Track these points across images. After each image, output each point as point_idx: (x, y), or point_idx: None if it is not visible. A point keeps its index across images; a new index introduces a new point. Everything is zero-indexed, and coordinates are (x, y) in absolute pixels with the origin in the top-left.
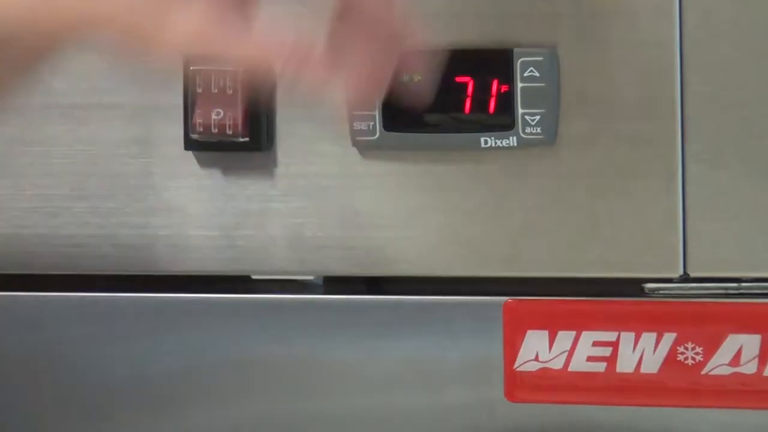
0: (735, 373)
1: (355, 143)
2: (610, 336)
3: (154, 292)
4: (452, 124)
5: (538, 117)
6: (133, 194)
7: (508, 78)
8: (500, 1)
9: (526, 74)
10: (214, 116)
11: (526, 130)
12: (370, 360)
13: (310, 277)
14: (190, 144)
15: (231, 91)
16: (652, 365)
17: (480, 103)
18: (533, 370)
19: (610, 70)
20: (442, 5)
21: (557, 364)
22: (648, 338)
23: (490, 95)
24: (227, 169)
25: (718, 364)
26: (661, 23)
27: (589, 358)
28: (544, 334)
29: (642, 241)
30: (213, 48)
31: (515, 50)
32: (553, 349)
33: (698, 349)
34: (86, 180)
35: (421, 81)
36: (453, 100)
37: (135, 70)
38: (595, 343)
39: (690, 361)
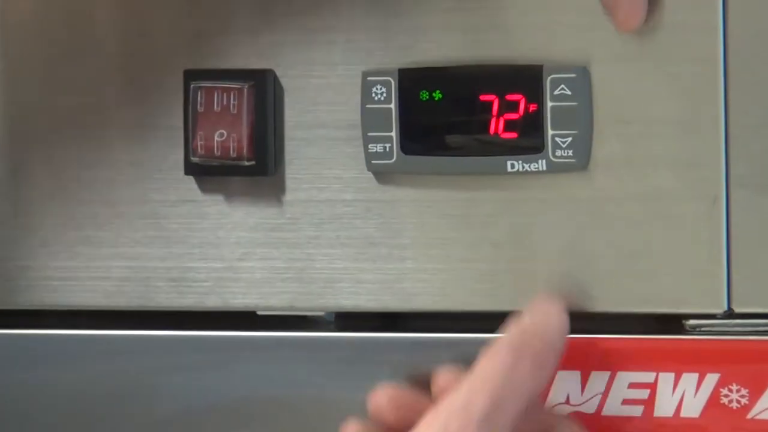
0: None
1: (370, 167)
2: (647, 377)
3: (151, 329)
4: (476, 146)
5: (569, 139)
6: (128, 222)
7: (537, 96)
8: (528, 13)
9: (556, 92)
10: (216, 137)
11: (557, 153)
12: None
13: (321, 313)
14: (190, 168)
15: (235, 110)
16: (693, 409)
17: (506, 124)
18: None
19: (648, 87)
20: (463, 17)
21: (590, 408)
22: (689, 379)
23: (517, 115)
24: (231, 196)
25: (765, 408)
26: (704, 39)
27: (625, 401)
28: (575, 375)
29: (683, 273)
30: None
31: (545, 66)
32: (585, 391)
33: (743, 392)
34: (78, 207)
35: (443, 99)
36: (477, 121)
37: (132, 84)
38: (632, 385)
39: (735, 404)
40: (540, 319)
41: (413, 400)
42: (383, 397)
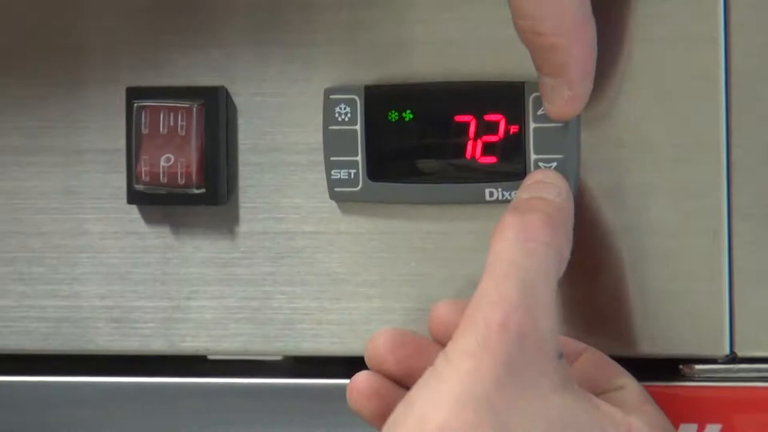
0: None
1: (333, 195)
2: None
3: (91, 376)
4: (451, 172)
5: (554, 164)
6: (64, 257)
7: (518, 117)
8: (509, 25)
9: (540, 112)
10: (162, 162)
11: None
12: None
13: (278, 358)
14: (133, 196)
15: (183, 132)
16: None
17: (484, 147)
18: None
19: (643, 106)
20: (436, 30)
21: None
22: (688, 430)
23: (496, 137)
24: (178, 227)
25: None
26: (704, 53)
27: None
28: None
29: (681, 312)
30: None
31: (527, 83)
32: None
33: None
34: (7, 239)
35: (414, 120)
36: (452, 144)
37: (68, 104)
38: None
39: None
40: (537, 187)
41: (414, 340)
42: (380, 339)
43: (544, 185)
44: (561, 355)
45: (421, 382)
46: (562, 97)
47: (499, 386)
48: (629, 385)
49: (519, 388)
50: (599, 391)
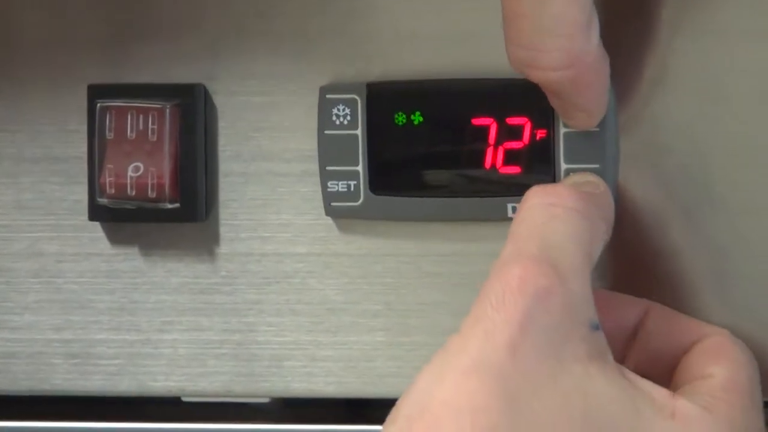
0: None
1: (329, 211)
2: None
3: (45, 421)
4: (467, 184)
5: None
6: (15, 283)
7: (545, 119)
8: None
9: None
10: (130, 172)
11: None
12: None
13: (265, 400)
14: (96, 212)
15: (155, 137)
16: None
17: (507, 156)
18: None
19: (693, 109)
20: (451, 19)
21: None
22: None
23: (521, 144)
24: (149, 247)
25: None
26: (762, 46)
27: None
28: None
29: None
30: None
31: None
32: None
33: None
34: None
35: (424, 123)
36: (468, 151)
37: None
38: None
39: None
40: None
41: None
42: None
43: (577, 183)
44: (597, 327)
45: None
46: (575, 116)
47: (512, 350)
48: (719, 371)
49: (536, 354)
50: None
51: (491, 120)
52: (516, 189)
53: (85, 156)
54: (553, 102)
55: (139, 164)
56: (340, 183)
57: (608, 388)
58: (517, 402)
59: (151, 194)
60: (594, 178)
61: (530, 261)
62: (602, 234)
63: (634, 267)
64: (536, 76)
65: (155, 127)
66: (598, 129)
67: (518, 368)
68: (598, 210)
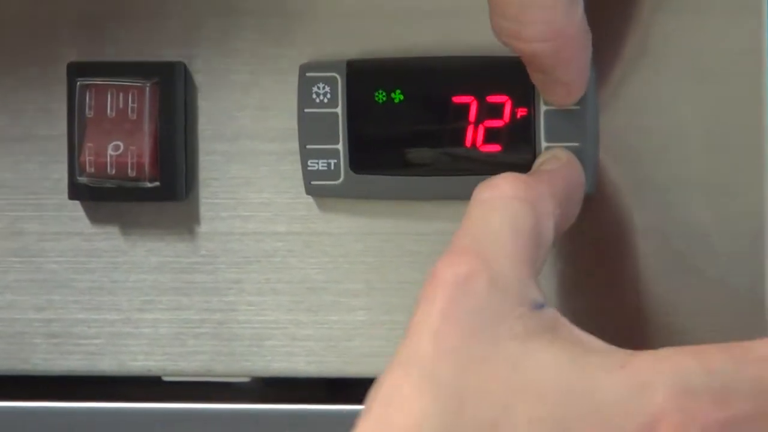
0: None
1: (309, 190)
2: None
3: (25, 401)
4: (448, 163)
5: None
6: None
7: (526, 98)
8: None
9: None
10: (111, 151)
11: None
12: None
13: (245, 379)
14: (76, 191)
15: (135, 116)
16: None
17: (487, 134)
18: None
19: (673, 88)
20: None
21: None
22: None
23: (501, 122)
24: (129, 227)
25: None
26: (745, 27)
27: None
28: None
29: (713, 327)
30: None
31: None
32: None
33: None
34: None
35: (404, 102)
36: (449, 130)
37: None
38: None
39: None
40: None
41: None
42: None
43: (544, 162)
44: (541, 305)
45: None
46: (555, 92)
47: (435, 338)
48: None
49: (461, 337)
50: None
51: (472, 98)
52: (497, 168)
53: (65, 135)
54: (535, 77)
55: (119, 143)
56: (321, 161)
57: (552, 360)
58: (442, 386)
59: (131, 173)
60: (558, 152)
61: (453, 253)
62: (549, 211)
63: (610, 247)
64: (519, 47)
65: (135, 105)
66: (578, 107)
67: (440, 353)
68: (547, 187)
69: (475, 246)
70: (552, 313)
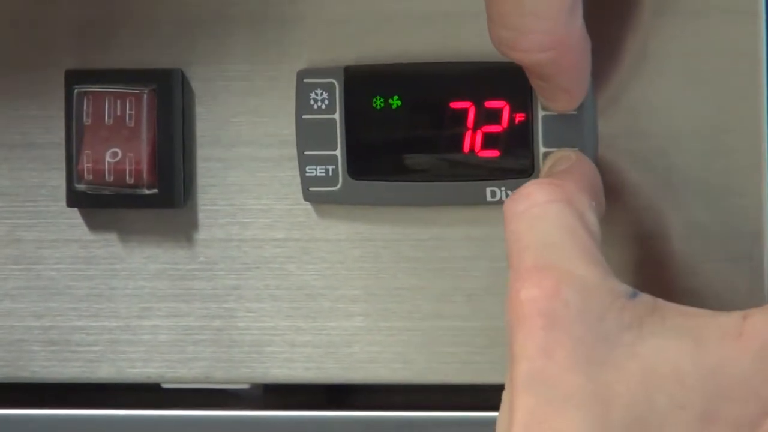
0: None
1: (307, 196)
2: None
3: (23, 408)
4: (445, 168)
5: None
6: None
7: (524, 103)
8: None
9: None
10: (108, 158)
11: None
12: None
13: (244, 386)
14: (74, 198)
15: (132, 123)
16: None
17: (485, 139)
18: None
19: (671, 92)
20: (431, 4)
21: None
22: None
23: (499, 128)
24: (128, 234)
25: None
26: (743, 28)
27: None
28: None
29: None
30: None
31: None
32: None
33: None
34: None
35: (402, 107)
36: (447, 135)
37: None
38: None
39: None
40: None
41: None
42: None
43: (555, 164)
44: (635, 293)
45: None
46: (557, 98)
47: (546, 354)
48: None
49: (572, 344)
50: None
51: (470, 104)
52: (495, 173)
53: (62, 142)
54: (535, 83)
55: (116, 150)
56: (319, 168)
57: (666, 339)
58: (577, 397)
59: (129, 180)
60: (566, 152)
61: (526, 273)
62: (586, 204)
63: (610, 250)
64: (519, 57)
65: (133, 112)
66: (576, 112)
67: (560, 366)
68: (575, 184)
69: (543, 259)
70: (649, 297)
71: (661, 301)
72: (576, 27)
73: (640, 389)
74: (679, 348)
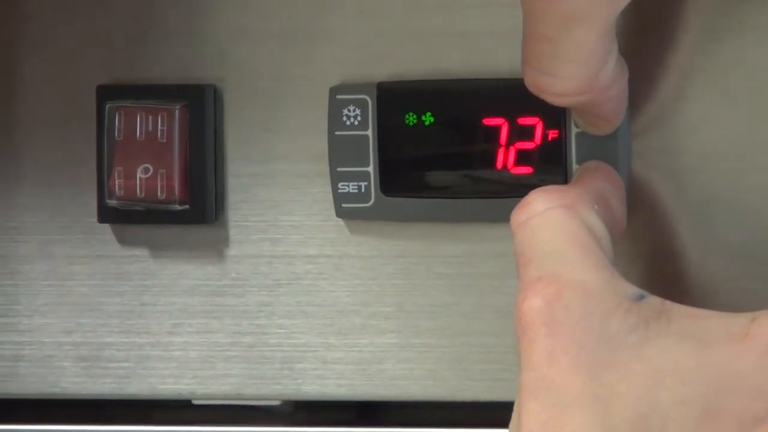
0: None
1: (340, 213)
2: None
3: (54, 424)
4: (478, 185)
5: None
6: (24, 285)
7: (557, 120)
8: None
9: None
10: (140, 174)
11: None
12: None
13: (276, 402)
14: (105, 214)
15: (164, 138)
16: None
17: (518, 156)
18: None
19: (705, 109)
20: (461, 18)
21: None
22: None
23: (532, 144)
24: (159, 249)
25: None
26: None
27: None
28: None
29: None
30: None
31: None
32: None
33: None
34: None
35: (435, 124)
36: (479, 152)
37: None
38: None
39: None
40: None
41: None
42: None
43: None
44: (641, 296)
45: None
46: (596, 126)
47: (550, 358)
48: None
49: (576, 347)
50: None
51: (503, 120)
52: (527, 190)
53: (94, 158)
54: (573, 113)
55: (148, 166)
56: (351, 184)
57: (677, 341)
58: (579, 399)
59: (161, 196)
60: (586, 163)
61: (528, 284)
62: (589, 208)
63: (644, 268)
64: (553, 100)
65: (164, 128)
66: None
67: (563, 370)
68: (578, 189)
69: (545, 269)
70: (656, 299)
71: (668, 303)
72: (610, 68)
73: (643, 387)
74: (684, 348)
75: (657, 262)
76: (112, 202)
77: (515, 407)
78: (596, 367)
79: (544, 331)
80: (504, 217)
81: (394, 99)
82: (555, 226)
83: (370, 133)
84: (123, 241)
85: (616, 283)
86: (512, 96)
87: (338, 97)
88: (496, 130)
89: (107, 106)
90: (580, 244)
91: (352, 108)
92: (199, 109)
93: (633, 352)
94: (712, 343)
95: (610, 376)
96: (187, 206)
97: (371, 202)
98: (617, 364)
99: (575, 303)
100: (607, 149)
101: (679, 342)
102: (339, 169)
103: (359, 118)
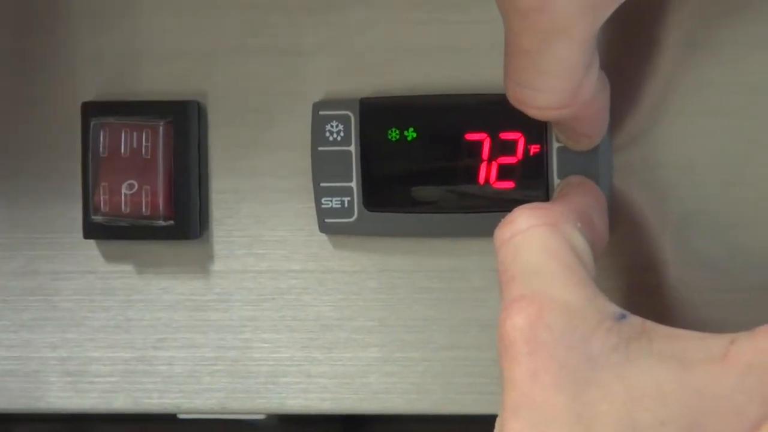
0: None
1: (323, 227)
2: None
3: None
4: (460, 200)
5: None
6: (11, 301)
7: (539, 134)
8: None
9: None
10: (124, 190)
11: None
12: None
13: (260, 416)
14: (90, 229)
15: (148, 154)
16: None
17: (500, 171)
18: None
19: (686, 123)
20: (443, 33)
21: None
22: None
23: (514, 159)
24: (144, 265)
25: None
26: (756, 59)
27: None
28: None
29: None
30: None
31: None
32: None
33: None
34: None
35: (417, 139)
36: (462, 167)
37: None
38: None
39: None
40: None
41: None
42: None
43: (557, 190)
44: (623, 315)
45: None
46: (577, 141)
47: (533, 377)
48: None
49: (558, 366)
50: None
51: (485, 135)
52: (510, 204)
53: (79, 174)
54: (554, 128)
55: (133, 182)
56: (334, 199)
57: (651, 361)
58: (561, 419)
59: (146, 212)
60: (571, 178)
61: (510, 303)
62: (572, 226)
63: (625, 281)
64: (534, 114)
65: (149, 144)
66: None
67: (545, 389)
68: (561, 207)
69: (526, 287)
70: (637, 319)
71: (649, 324)
72: (591, 82)
73: (624, 408)
74: (664, 369)
75: (638, 275)
76: (97, 218)
77: (497, 425)
78: (578, 387)
79: (526, 349)
80: (486, 232)
81: (376, 115)
82: (538, 244)
83: (353, 148)
84: (108, 256)
85: (598, 302)
86: (494, 111)
87: (321, 113)
88: (479, 145)
89: (92, 122)
90: (563, 263)
91: (335, 124)
92: (183, 125)
93: (614, 372)
94: (693, 364)
95: (592, 396)
96: (172, 222)
97: (354, 218)
98: (599, 383)
99: (557, 322)
100: (588, 164)
101: (659, 363)
102: (322, 184)
103: (342, 134)
